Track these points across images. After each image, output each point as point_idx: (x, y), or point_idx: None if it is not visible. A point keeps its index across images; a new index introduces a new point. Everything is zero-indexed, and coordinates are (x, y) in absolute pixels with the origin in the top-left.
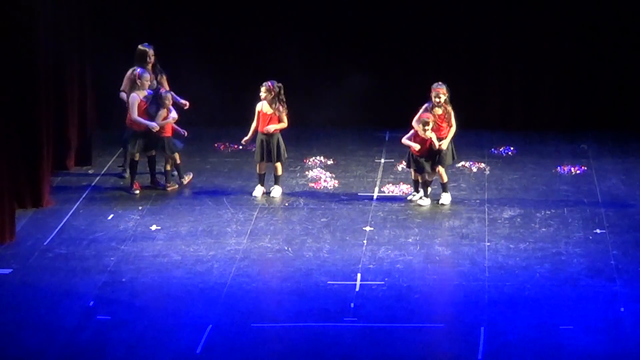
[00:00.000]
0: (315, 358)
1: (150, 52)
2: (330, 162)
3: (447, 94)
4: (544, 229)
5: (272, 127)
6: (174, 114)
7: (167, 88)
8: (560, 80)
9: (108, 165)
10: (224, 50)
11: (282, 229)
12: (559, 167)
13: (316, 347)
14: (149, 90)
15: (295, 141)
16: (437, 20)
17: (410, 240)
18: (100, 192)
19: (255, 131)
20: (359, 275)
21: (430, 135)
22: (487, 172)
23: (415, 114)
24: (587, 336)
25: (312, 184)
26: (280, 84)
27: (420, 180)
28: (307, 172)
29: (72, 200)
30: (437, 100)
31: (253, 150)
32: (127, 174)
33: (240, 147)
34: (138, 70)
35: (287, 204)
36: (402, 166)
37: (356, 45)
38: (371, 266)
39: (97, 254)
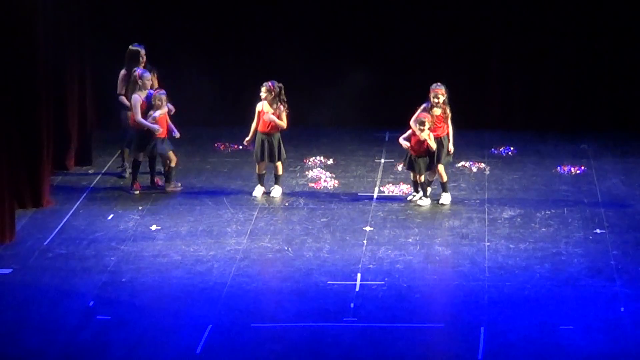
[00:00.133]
0: (315, 358)
1: (142, 51)
2: (330, 162)
3: (445, 95)
4: (544, 229)
5: (271, 117)
6: (159, 112)
7: (157, 86)
8: (560, 80)
9: (108, 165)
10: (223, 50)
11: (282, 229)
12: (559, 167)
13: (316, 347)
14: (150, 91)
15: (295, 141)
16: (437, 20)
17: (410, 240)
18: (100, 192)
19: (256, 131)
20: (359, 275)
21: (426, 136)
22: (487, 172)
23: (415, 114)
24: (587, 336)
25: (312, 184)
26: (280, 84)
27: (419, 181)
28: (307, 172)
29: (72, 200)
30: (436, 100)
31: (253, 150)
32: (127, 174)
33: (241, 147)
34: (138, 70)
35: (287, 204)
36: (401, 166)
37: (356, 45)
38: (371, 266)
39: (97, 254)
